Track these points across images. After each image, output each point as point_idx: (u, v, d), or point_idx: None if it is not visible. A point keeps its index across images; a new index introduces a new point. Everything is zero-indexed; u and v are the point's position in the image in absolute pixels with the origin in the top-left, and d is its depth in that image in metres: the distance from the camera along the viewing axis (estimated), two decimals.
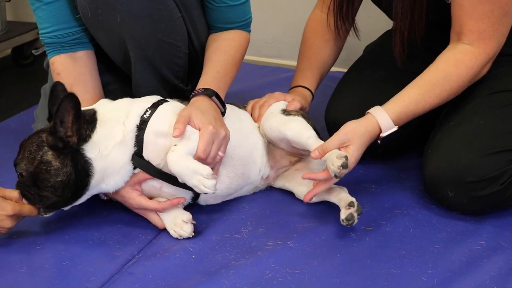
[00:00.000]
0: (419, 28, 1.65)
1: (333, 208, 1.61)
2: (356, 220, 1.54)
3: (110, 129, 1.53)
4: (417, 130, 1.84)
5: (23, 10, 3.41)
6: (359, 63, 2.04)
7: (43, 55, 1.80)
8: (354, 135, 1.56)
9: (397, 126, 1.59)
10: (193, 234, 1.56)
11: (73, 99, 1.45)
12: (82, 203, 1.59)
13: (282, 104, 1.77)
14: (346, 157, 1.50)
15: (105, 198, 1.65)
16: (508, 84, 1.68)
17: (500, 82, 1.68)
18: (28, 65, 3.29)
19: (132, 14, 1.63)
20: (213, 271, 1.45)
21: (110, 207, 1.68)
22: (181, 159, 1.47)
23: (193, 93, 1.64)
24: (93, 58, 1.78)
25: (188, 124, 1.53)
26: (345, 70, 2.06)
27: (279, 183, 1.77)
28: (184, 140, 1.51)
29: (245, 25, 1.84)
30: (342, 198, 1.59)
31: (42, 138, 1.50)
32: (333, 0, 1.86)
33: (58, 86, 1.59)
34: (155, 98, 1.64)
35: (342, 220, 1.53)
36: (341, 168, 1.49)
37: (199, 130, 1.53)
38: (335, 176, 1.51)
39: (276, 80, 2.64)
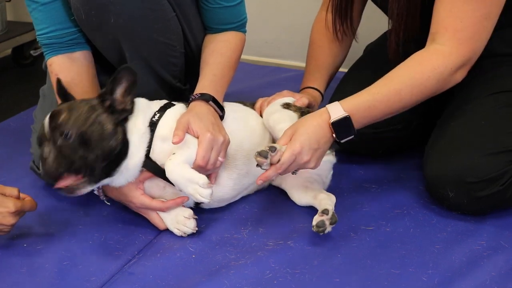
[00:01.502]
0: (413, 29, 1.64)
1: (334, 208, 1.61)
2: (328, 228, 1.52)
3: (138, 122, 1.56)
4: (418, 131, 1.84)
5: (23, 10, 3.39)
6: (360, 62, 2.04)
7: (42, 55, 1.80)
8: (299, 123, 1.52)
9: (346, 113, 1.50)
10: (196, 229, 1.56)
11: (130, 71, 1.50)
12: (83, 202, 1.58)
13: (287, 99, 1.77)
14: (270, 148, 1.45)
15: (104, 198, 1.65)
16: (510, 85, 1.68)
17: (501, 82, 1.67)
18: (28, 65, 3.29)
19: (126, 14, 1.63)
20: (213, 271, 1.45)
21: (110, 207, 1.68)
22: (177, 167, 1.48)
23: (190, 98, 1.65)
24: (90, 59, 1.78)
25: (187, 131, 1.54)
26: (346, 70, 2.06)
27: (277, 181, 1.77)
28: (183, 149, 1.51)
29: (240, 26, 1.84)
30: (322, 204, 1.58)
31: (94, 103, 1.51)
32: (332, 0, 1.86)
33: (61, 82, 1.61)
34: (163, 101, 1.65)
35: (313, 226, 1.53)
36: (259, 155, 1.45)
37: (197, 137, 1.53)
38: (264, 166, 1.45)
39: (276, 80, 2.64)
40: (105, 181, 1.53)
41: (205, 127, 1.54)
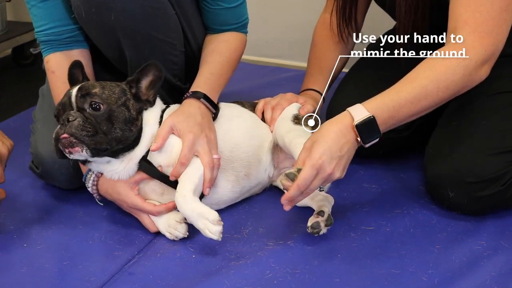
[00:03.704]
0: (422, 28, 1.64)
1: (333, 209, 1.61)
2: (323, 230, 1.52)
3: (154, 115, 1.60)
4: (419, 130, 1.84)
5: (23, 10, 3.40)
6: (361, 62, 2.04)
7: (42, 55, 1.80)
8: (318, 133, 1.47)
9: (370, 114, 1.44)
10: (187, 233, 1.56)
11: (157, 67, 1.55)
12: (83, 202, 1.57)
13: (294, 109, 1.76)
14: (288, 174, 1.44)
15: (98, 198, 1.65)
16: (511, 85, 1.67)
17: (503, 82, 1.67)
18: (28, 65, 3.29)
19: (126, 12, 1.63)
20: (213, 271, 1.45)
21: (110, 207, 1.68)
22: (188, 200, 1.48)
23: (184, 96, 1.66)
24: (88, 57, 1.78)
25: (172, 132, 1.56)
26: (347, 70, 2.06)
27: (277, 182, 1.76)
28: (188, 175, 1.52)
29: (241, 27, 1.84)
30: (319, 206, 1.57)
31: (124, 87, 1.56)
32: (336, 2, 1.85)
33: (75, 68, 1.62)
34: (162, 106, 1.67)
35: (307, 228, 1.52)
36: (285, 179, 1.44)
37: (180, 138, 1.56)
38: (284, 189, 1.45)
39: (276, 80, 2.64)
40: (104, 160, 1.54)
41: (188, 127, 1.56)
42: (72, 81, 1.62)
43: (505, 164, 1.55)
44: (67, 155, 1.49)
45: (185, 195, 1.49)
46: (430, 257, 1.48)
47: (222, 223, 1.46)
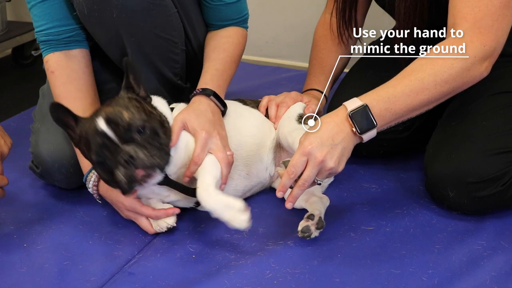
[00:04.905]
0: (421, 28, 1.64)
1: (333, 209, 1.61)
2: (314, 233, 1.51)
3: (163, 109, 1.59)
4: (419, 131, 1.84)
5: (23, 10, 3.42)
6: (361, 63, 2.04)
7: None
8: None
9: (363, 103, 1.43)
10: (175, 224, 1.56)
11: (128, 61, 1.52)
12: (83, 202, 1.57)
13: (299, 108, 1.76)
14: (285, 162, 1.47)
15: (97, 197, 1.65)
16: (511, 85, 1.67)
17: (503, 82, 1.67)
18: (28, 65, 3.29)
19: (128, 9, 1.63)
20: (213, 271, 1.45)
21: (110, 207, 1.68)
22: (211, 193, 1.46)
23: (192, 93, 1.66)
24: (88, 57, 1.78)
25: (184, 129, 1.56)
26: (347, 70, 2.06)
27: (277, 182, 1.76)
28: (208, 169, 1.51)
29: (242, 22, 1.85)
30: (312, 208, 1.57)
31: (130, 96, 1.52)
32: (336, 4, 1.85)
33: (58, 112, 1.50)
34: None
35: (298, 232, 1.52)
36: (281, 168, 1.47)
37: (193, 136, 1.55)
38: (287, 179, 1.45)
39: (276, 80, 2.64)
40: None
41: (200, 125, 1.55)
42: (62, 125, 1.52)
43: (506, 164, 1.55)
44: (142, 185, 1.47)
45: (208, 188, 1.46)
46: (430, 257, 1.48)
47: (249, 208, 1.43)
